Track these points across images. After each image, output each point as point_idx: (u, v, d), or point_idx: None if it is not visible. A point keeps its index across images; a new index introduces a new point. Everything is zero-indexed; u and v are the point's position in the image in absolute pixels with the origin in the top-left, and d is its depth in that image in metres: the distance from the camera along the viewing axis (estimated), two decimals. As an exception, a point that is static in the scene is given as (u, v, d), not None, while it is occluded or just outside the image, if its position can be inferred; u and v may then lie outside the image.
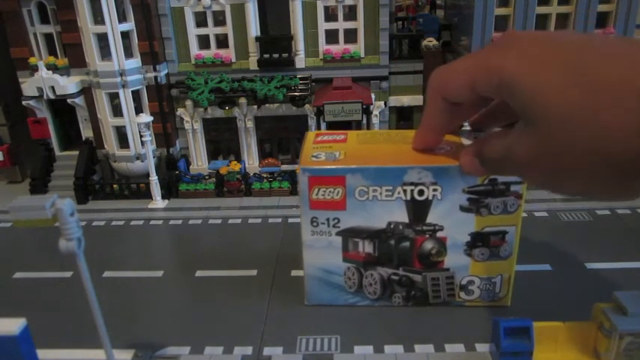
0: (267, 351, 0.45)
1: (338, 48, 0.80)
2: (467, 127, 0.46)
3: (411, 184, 0.43)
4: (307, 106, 0.80)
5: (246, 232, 0.67)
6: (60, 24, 0.78)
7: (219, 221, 0.70)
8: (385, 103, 0.82)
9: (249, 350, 0.45)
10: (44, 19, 0.80)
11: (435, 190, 0.43)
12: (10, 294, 0.56)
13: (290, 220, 0.69)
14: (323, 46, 0.80)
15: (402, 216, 0.45)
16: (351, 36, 0.80)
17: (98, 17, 0.72)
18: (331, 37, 0.80)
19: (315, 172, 0.43)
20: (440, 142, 0.44)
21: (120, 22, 0.73)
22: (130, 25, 0.75)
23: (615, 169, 0.27)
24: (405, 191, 0.44)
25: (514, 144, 0.33)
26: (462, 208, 0.44)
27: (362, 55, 0.80)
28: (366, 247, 0.46)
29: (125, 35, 0.75)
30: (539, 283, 0.53)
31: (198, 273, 0.58)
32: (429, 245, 0.46)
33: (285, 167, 0.82)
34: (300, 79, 0.79)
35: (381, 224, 0.45)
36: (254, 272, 0.57)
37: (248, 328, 0.48)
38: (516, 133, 0.33)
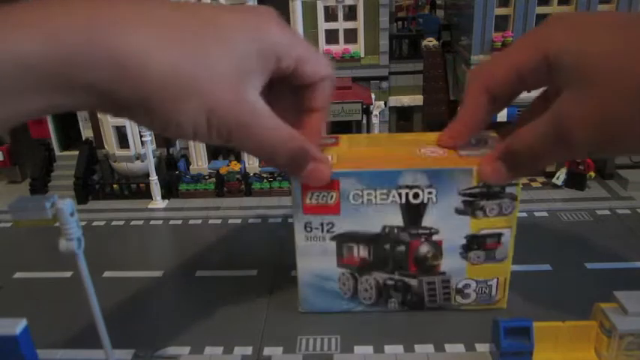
0: (267, 351, 0.45)
1: (338, 48, 0.80)
2: None
3: (406, 187, 0.43)
4: (307, 106, 0.80)
5: (246, 232, 0.67)
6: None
7: (219, 221, 0.70)
8: (385, 103, 0.82)
9: (249, 350, 0.45)
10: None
11: (430, 192, 0.43)
12: (10, 294, 0.56)
13: (290, 220, 0.69)
14: (323, 46, 0.80)
15: (397, 220, 0.44)
16: (351, 36, 0.80)
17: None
18: (331, 37, 0.80)
19: None
20: (467, 140, 0.44)
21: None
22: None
23: None
24: (399, 194, 0.43)
25: (562, 116, 0.32)
26: (458, 211, 0.44)
27: (362, 55, 0.80)
28: (360, 252, 0.46)
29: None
30: (539, 283, 0.53)
31: (198, 273, 0.58)
32: (424, 249, 0.46)
33: (285, 167, 0.82)
34: (300, 79, 0.79)
35: (376, 228, 0.45)
36: (254, 272, 0.57)
37: (248, 328, 0.48)
38: (563, 106, 0.32)
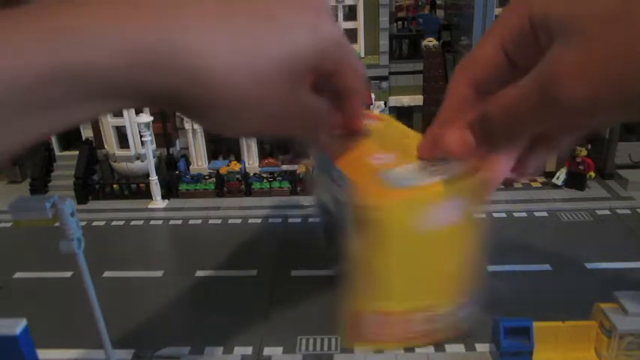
0: (267, 351, 0.45)
1: (338, 48, 0.80)
2: None
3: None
4: (307, 106, 0.80)
5: (246, 232, 0.67)
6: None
7: (219, 221, 0.70)
8: (385, 103, 0.82)
9: (249, 350, 0.45)
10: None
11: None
12: (10, 294, 0.56)
13: (290, 220, 0.69)
14: (323, 46, 0.80)
15: None
16: (351, 36, 0.80)
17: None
18: (331, 37, 0.80)
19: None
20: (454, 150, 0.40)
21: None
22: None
23: None
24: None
25: (551, 68, 0.27)
26: None
27: (362, 55, 0.80)
28: None
29: (125, 35, 0.74)
30: (539, 283, 0.53)
31: (198, 273, 0.58)
32: None
33: (285, 167, 0.82)
34: (300, 79, 0.79)
35: None
36: (254, 272, 0.57)
37: (248, 328, 0.48)
38: (552, 57, 0.28)
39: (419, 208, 0.34)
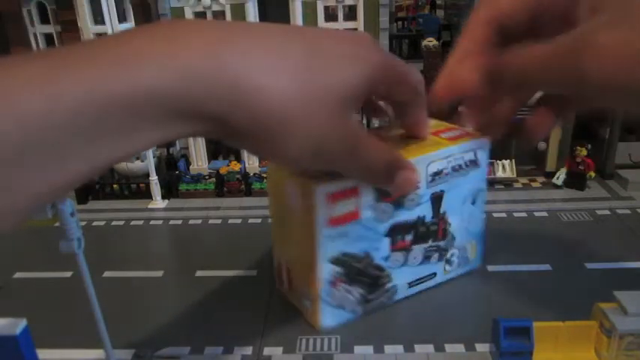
0: (267, 351, 0.45)
1: (338, 48, 0.80)
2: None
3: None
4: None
5: (246, 232, 0.67)
6: (60, 24, 0.78)
7: (219, 221, 0.70)
8: (385, 103, 0.82)
9: (249, 350, 0.45)
10: (44, 19, 0.80)
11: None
12: (10, 294, 0.56)
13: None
14: (323, 46, 0.80)
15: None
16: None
17: (98, 17, 0.72)
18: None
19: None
20: (467, 91, 0.40)
21: (120, 22, 0.73)
22: (129, 25, 0.75)
23: None
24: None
25: (590, 32, 0.29)
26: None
27: (362, 55, 0.79)
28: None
29: (125, 35, 0.74)
30: (539, 283, 0.53)
31: (198, 273, 0.58)
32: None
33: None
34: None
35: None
36: (254, 272, 0.57)
37: (248, 328, 0.48)
38: (593, 25, 0.29)
39: (280, 183, 0.44)
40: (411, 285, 0.50)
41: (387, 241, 0.46)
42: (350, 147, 0.34)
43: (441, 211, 0.48)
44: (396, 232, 0.46)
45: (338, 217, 0.42)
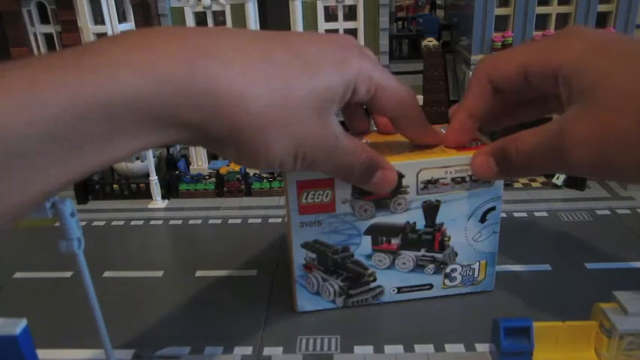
0: (267, 351, 0.45)
1: (338, 48, 0.80)
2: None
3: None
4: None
5: (246, 232, 0.67)
6: (60, 24, 0.78)
7: (219, 221, 0.70)
8: (385, 103, 0.82)
9: (249, 350, 0.45)
10: (44, 19, 0.80)
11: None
12: (10, 294, 0.56)
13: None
14: (323, 46, 0.80)
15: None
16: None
17: (98, 17, 0.72)
18: (331, 37, 0.80)
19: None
20: (473, 135, 0.43)
21: (120, 22, 0.73)
22: (130, 25, 0.75)
23: None
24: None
25: (565, 133, 0.32)
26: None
27: (362, 55, 0.79)
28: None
29: (125, 35, 0.74)
30: (539, 283, 0.53)
31: (198, 273, 0.58)
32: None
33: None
34: (300, 79, 0.79)
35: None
36: (254, 272, 0.57)
37: (248, 328, 0.48)
38: (567, 122, 0.32)
39: None
40: (400, 290, 0.50)
41: (368, 239, 0.47)
42: (329, 147, 0.34)
43: (438, 221, 0.46)
44: (378, 232, 0.46)
45: (310, 205, 0.44)
